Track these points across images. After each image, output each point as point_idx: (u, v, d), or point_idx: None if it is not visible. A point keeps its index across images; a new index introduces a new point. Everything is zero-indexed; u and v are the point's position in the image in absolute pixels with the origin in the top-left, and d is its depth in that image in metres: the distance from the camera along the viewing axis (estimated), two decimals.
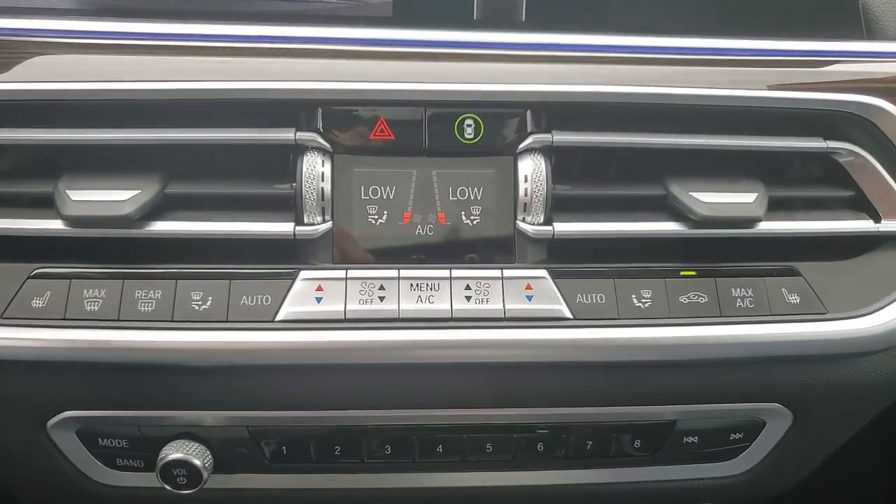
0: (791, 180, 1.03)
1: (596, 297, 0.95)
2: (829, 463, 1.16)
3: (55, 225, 0.93)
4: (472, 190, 0.97)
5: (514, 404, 1.01)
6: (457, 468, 1.06)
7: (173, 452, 0.98)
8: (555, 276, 0.96)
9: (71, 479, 1.04)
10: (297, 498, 1.08)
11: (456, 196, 0.97)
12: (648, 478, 1.09)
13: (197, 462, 0.98)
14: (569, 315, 0.95)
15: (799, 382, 1.02)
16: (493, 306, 0.94)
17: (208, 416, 0.99)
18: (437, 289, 0.95)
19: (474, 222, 0.97)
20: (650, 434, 1.05)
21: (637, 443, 1.05)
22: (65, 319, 0.91)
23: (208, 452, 1.00)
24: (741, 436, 1.07)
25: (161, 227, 0.94)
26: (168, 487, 0.99)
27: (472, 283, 0.95)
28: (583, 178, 0.99)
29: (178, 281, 0.93)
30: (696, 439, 1.05)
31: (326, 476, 1.06)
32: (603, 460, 1.06)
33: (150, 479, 1.03)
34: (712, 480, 1.11)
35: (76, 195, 0.92)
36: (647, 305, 0.96)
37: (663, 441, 1.05)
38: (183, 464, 0.97)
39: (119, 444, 1.01)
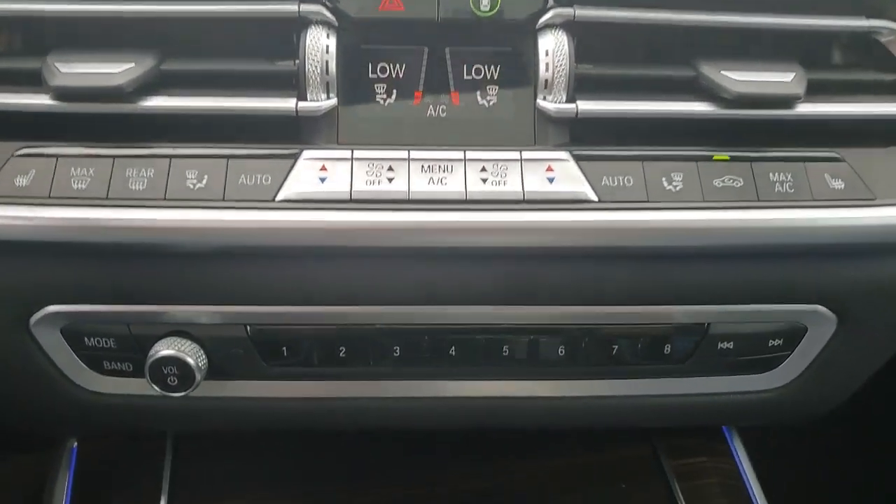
0: (830, 64, 0.96)
1: (623, 179, 0.88)
2: (877, 380, 1.07)
3: (42, 100, 0.87)
4: (489, 69, 0.90)
5: (534, 301, 0.93)
6: (471, 376, 0.98)
7: (164, 349, 0.90)
8: (578, 158, 0.89)
9: (55, 386, 0.96)
10: (297, 409, 1.00)
11: (471, 75, 0.90)
12: (680, 391, 1.01)
13: (190, 360, 0.90)
14: (594, 198, 0.87)
15: (843, 280, 0.94)
16: (512, 188, 0.87)
17: (203, 313, 0.92)
18: (450, 170, 0.88)
19: (490, 103, 0.90)
20: (681, 337, 0.96)
21: (667, 347, 0.97)
22: (49, 198, 0.85)
23: (202, 352, 0.92)
24: (781, 342, 0.98)
25: (155, 102, 0.87)
26: (157, 388, 0.91)
27: (488, 165, 0.88)
28: (607, 59, 0.92)
29: (173, 160, 0.87)
30: (731, 345, 0.97)
31: (329, 384, 0.98)
32: (630, 368, 0.98)
33: (138, 386, 0.96)
34: (750, 395, 1.02)
35: (66, 68, 0.86)
36: (678, 189, 0.88)
37: (696, 346, 0.97)
38: (174, 361, 0.90)
39: (106, 343, 0.94)
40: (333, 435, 1.16)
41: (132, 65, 0.86)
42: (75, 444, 1.16)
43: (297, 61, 0.88)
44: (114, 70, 0.86)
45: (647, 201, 0.88)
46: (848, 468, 1.47)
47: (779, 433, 1.30)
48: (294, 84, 0.89)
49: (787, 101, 0.90)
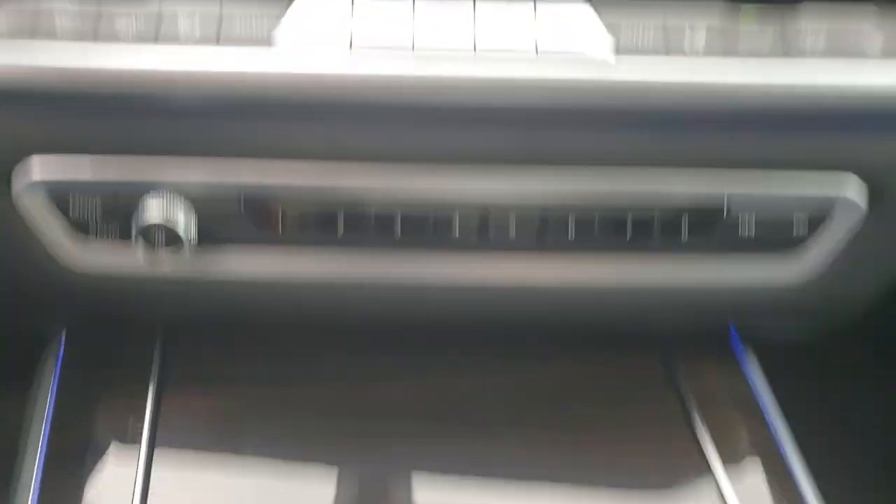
0: None
1: (644, 32, 0.83)
2: None
3: None
4: None
5: (543, 161, 0.88)
6: (476, 248, 0.93)
7: (153, 198, 0.86)
8: (597, 9, 0.84)
9: (34, 255, 0.91)
10: (290, 284, 0.95)
11: None
12: (694, 275, 0.95)
13: (179, 214, 0.86)
14: (612, 51, 0.82)
15: (877, 147, 0.87)
16: (525, 40, 0.82)
17: (197, 167, 0.87)
18: (458, 21, 0.83)
19: None
20: (698, 204, 0.90)
21: (683, 217, 0.90)
22: (31, 40, 0.81)
23: (193, 208, 0.88)
24: (806, 217, 0.92)
25: None
26: (141, 241, 0.87)
27: (499, 16, 0.83)
28: None
29: (163, 5, 0.83)
30: (751, 216, 0.91)
31: (324, 256, 0.93)
32: (644, 240, 0.92)
33: (122, 260, 0.92)
34: (772, 284, 0.96)
35: None
36: (701, 45, 0.83)
37: (713, 216, 0.91)
38: (163, 214, 0.86)
39: (92, 201, 0.89)
40: (335, 331, 1.10)
41: None
42: (63, 335, 1.12)
43: None
44: None
45: (669, 54, 0.82)
46: (868, 391, 1.41)
47: (795, 354, 1.22)
48: None
49: None
